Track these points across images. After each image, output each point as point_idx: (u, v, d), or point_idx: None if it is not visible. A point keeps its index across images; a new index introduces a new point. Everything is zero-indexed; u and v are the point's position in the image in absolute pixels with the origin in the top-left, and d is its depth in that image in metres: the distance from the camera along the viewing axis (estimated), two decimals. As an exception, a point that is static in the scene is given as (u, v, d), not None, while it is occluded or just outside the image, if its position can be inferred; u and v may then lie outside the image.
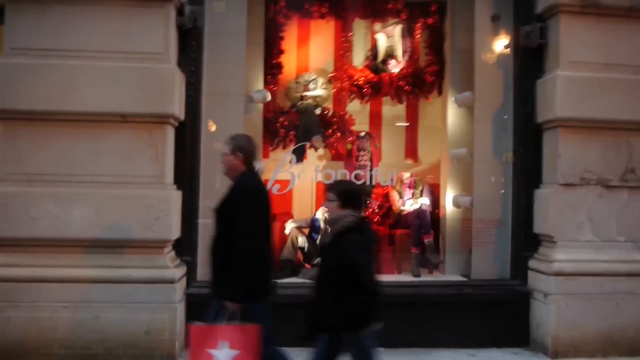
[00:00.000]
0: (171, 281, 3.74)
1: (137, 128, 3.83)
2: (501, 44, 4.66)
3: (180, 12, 4.00)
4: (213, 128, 4.39)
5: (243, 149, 2.87)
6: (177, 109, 3.90)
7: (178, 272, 3.84)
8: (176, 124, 4.02)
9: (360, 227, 2.54)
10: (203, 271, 4.15)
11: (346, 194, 2.62)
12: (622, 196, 4.17)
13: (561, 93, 4.05)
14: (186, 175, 4.09)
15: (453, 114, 5.18)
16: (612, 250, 4.13)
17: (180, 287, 3.85)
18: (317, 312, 2.55)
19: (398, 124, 6.23)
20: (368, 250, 2.53)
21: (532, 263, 4.32)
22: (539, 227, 4.28)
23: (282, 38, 5.52)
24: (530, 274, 4.33)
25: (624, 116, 4.11)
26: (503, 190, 4.61)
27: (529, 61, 4.37)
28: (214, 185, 4.33)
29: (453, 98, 5.08)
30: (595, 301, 4.03)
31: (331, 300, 2.47)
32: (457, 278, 4.78)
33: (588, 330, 4.01)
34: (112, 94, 3.76)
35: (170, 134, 3.94)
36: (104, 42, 3.82)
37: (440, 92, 5.64)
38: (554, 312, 4.00)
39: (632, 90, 4.10)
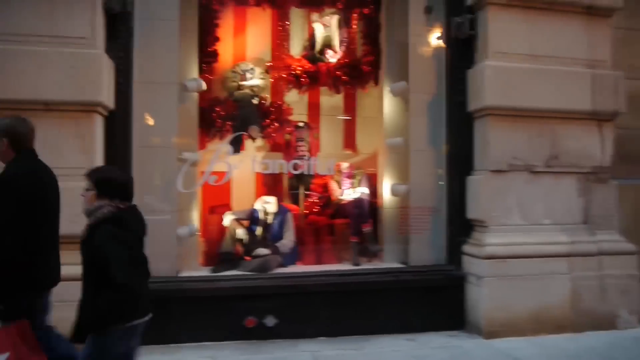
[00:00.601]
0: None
1: (62, 117, 3.65)
2: (434, 35, 4.80)
3: (107, -6, 3.82)
4: (145, 118, 4.23)
5: (7, 132, 2.63)
6: (106, 96, 3.74)
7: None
8: (105, 113, 3.87)
9: (119, 218, 2.33)
10: None
11: (103, 182, 2.41)
12: (547, 181, 4.42)
13: (489, 82, 4.21)
14: (117, 166, 3.90)
15: (389, 104, 5.26)
16: (539, 233, 4.36)
17: None
18: (79, 310, 2.31)
19: (337, 116, 6.26)
20: (127, 243, 2.31)
21: (466, 248, 4.48)
22: (471, 212, 4.44)
23: (217, 25, 5.35)
24: (464, 258, 4.48)
25: (549, 105, 4.34)
26: (438, 178, 4.74)
27: (460, 52, 4.52)
28: (148, 177, 4.24)
29: (389, 88, 5.15)
30: (525, 282, 4.25)
31: (88, 297, 2.29)
32: (396, 265, 4.85)
33: (519, 310, 4.22)
34: (35, 80, 3.56)
35: (99, 123, 3.79)
36: (29, 25, 3.62)
37: (376, 82, 5.67)
38: (486, 294, 4.17)
39: (555, 81, 4.34)
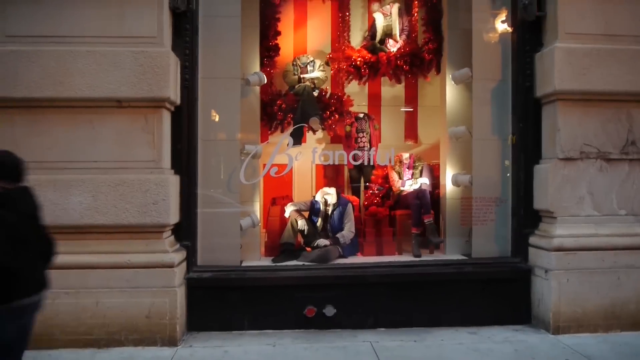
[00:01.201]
0: (170, 265, 3.77)
1: (133, 113, 3.85)
2: (499, 18, 4.62)
3: (173, -6, 3.98)
4: (210, 112, 4.38)
5: None
6: (173, 92, 3.90)
7: (177, 256, 3.87)
8: (172, 108, 4.03)
9: (6, 200, 2.34)
10: (203, 256, 4.24)
11: None
12: (623, 169, 4.15)
13: (559, 66, 4.02)
14: (183, 160, 4.12)
15: (451, 93, 5.14)
16: (613, 224, 4.12)
17: (180, 271, 3.89)
18: None
19: (398, 106, 6.20)
20: (5, 222, 2.31)
21: (532, 239, 4.32)
22: (538, 203, 4.26)
23: (278, 19, 5.47)
24: (530, 250, 4.33)
25: (624, 87, 4.07)
26: (503, 168, 4.59)
27: (527, 34, 4.34)
28: (212, 169, 4.40)
29: (451, 75, 5.03)
30: (597, 276, 4.04)
31: None
32: (458, 257, 4.78)
33: (589, 305, 4.02)
34: (107, 79, 3.78)
35: (166, 118, 3.96)
36: (98, 27, 3.84)
37: (438, 71, 5.59)
38: (554, 288, 4.00)
39: (631, 61, 4.06)
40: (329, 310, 4.11)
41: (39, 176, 3.69)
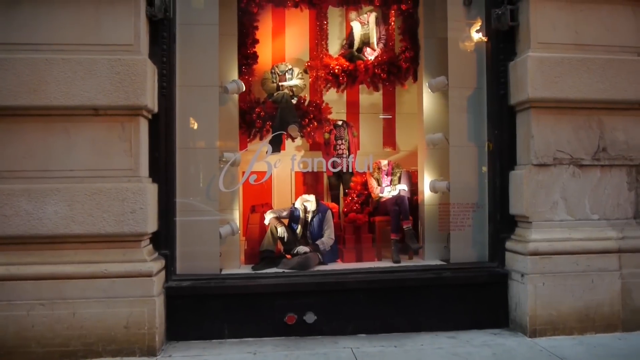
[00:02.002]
0: (148, 274, 3.73)
1: (109, 121, 3.80)
2: (473, 28, 4.69)
3: (150, 2, 3.94)
4: (188, 120, 4.35)
5: None
6: (150, 100, 3.87)
7: (156, 265, 3.83)
8: (149, 116, 4.00)
9: None
10: (182, 265, 4.20)
11: None
12: (595, 175, 4.26)
13: (532, 74, 4.10)
14: (161, 168, 4.08)
15: (428, 100, 5.21)
16: (586, 229, 4.22)
17: (158, 281, 3.84)
18: None
19: (376, 114, 6.26)
20: None
21: (509, 244, 4.39)
22: (514, 208, 4.34)
23: (256, 28, 5.47)
24: (507, 255, 4.40)
25: (595, 95, 4.17)
26: (480, 174, 4.66)
27: (501, 44, 4.42)
28: (191, 177, 4.37)
29: (427, 83, 5.11)
30: (571, 279, 4.12)
31: None
32: (437, 262, 4.82)
33: (564, 308, 4.10)
34: (83, 87, 3.72)
35: (143, 126, 3.92)
36: (74, 35, 3.79)
37: (415, 79, 5.67)
38: (531, 292, 4.07)
39: (601, 70, 4.17)
40: (310, 317, 4.10)
41: (12, 186, 3.65)
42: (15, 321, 3.60)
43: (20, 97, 3.66)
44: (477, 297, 4.31)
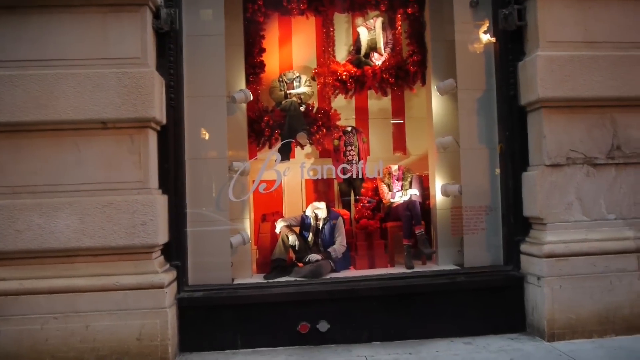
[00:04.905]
0: (160, 286, 3.74)
1: (118, 134, 3.83)
2: (481, 29, 4.67)
3: (156, 15, 3.99)
4: (196, 131, 4.38)
5: None
6: (158, 112, 3.89)
7: (167, 276, 3.84)
8: (158, 128, 4.02)
9: None
10: (194, 276, 4.21)
11: None
12: (610, 174, 4.18)
13: (542, 73, 4.05)
14: (171, 179, 4.09)
15: (437, 103, 5.19)
16: (603, 229, 4.14)
17: (170, 292, 3.85)
18: None
19: (386, 119, 6.27)
20: None
21: (523, 247, 4.33)
22: (528, 210, 4.28)
23: (262, 37, 5.53)
24: (522, 258, 4.33)
25: (607, 93, 4.11)
26: (492, 176, 4.62)
27: (510, 44, 4.38)
28: (201, 188, 4.38)
29: (436, 87, 5.09)
30: (589, 281, 4.04)
31: None
32: (451, 267, 4.79)
33: (583, 311, 4.02)
34: (91, 101, 3.75)
35: (152, 138, 3.94)
36: (82, 49, 3.82)
37: (423, 82, 5.66)
38: (548, 295, 4.00)
39: (613, 67, 4.11)
40: (323, 326, 4.08)
41: (24, 200, 3.69)
42: (30, 335, 3.62)
43: (30, 113, 3.71)
44: (493, 301, 4.25)
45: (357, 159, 5.64)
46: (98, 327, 3.66)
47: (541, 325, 4.05)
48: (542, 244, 4.09)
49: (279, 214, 5.55)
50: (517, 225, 4.39)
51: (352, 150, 5.67)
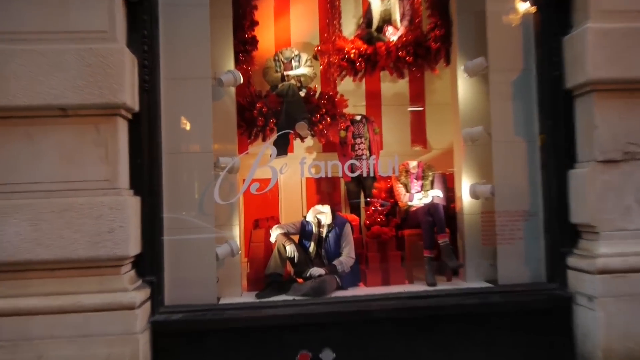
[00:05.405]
0: (131, 307, 3.63)
1: (81, 123, 3.74)
2: (518, -2, 4.62)
3: (126, -21, 3.93)
4: (175, 119, 4.31)
5: None
6: (129, 97, 3.79)
7: (139, 295, 3.73)
8: (129, 115, 3.93)
9: None
10: (172, 294, 4.13)
11: None
12: (677, 171, 4.10)
13: (592, 50, 3.97)
14: (145, 177, 4.01)
15: (465, 87, 5.14)
16: (669, 239, 4.06)
17: (142, 314, 3.75)
18: None
19: (403, 106, 6.27)
20: None
21: (571, 260, 4.24)
22: (576, 215, 4.20)
23: (254, 7, 5.47)
24: (570, 273, 4.25)
25: (676, 73, 4.03)
26: (531, 174, 4.57)
27: (553, 15, 4.32)
28: (180, 188, 4.31)
29: (462, 67, 5.03)
30: (653, 302, 3.96)
31: None
32: (482, 285, 4.75)
33: (646, 339, 3.94)
34: (48, 83, 3.65)
35: (122, 128, 3.85)
36: (36, 21, 3.72)
37: (448, 62, 5.60)
38: (602, 320, 3.91)
39: (682, 41, 4.03)
40: (327, 355, 4.01)
41: (-35, 203, 3.59)
42: (-31, 367, 3.54)
43: (-26, 97, 3.62)
44: (533, 327, 4.18)
45: (368, 154, 5.65)
46: (54, 358, 3.56)
47: (595, 357, 3.95)
48: (594, 257, 4.00)
49: (275, 220, 5.50)
50: (562, 233, 4.32)
51: (362, 143, 5.68)
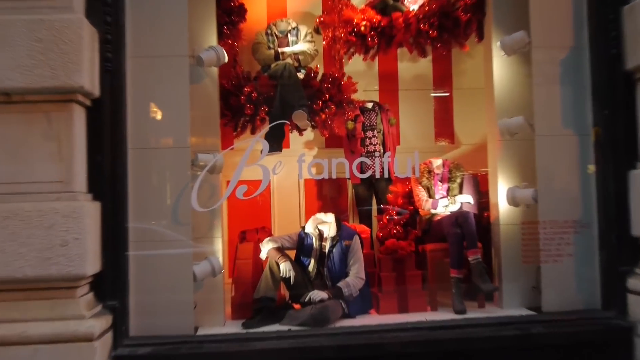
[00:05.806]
0: (88, 338, 3.64)
1: (28, 111, 3.78)
2: (567, -43, 4.65)
3: (84, -64, 3.97)
4: (145, 107, 4.36)
5: None
6: (88, 79, 3.82)
7: (99, 323, 3.76)
8: (88, 102, 3.97)
9: None
10: (139, 322, 4.17)
11: None
12: None
13: (661, 21, 4.02)
14: (106, 179, 4.04)
15: (501, 68, 5.16)
16: None
17: (102, 347, 3.78)
18: None
19: (424, 90, 6.28)
20: None
21: (632, 282, 4.27)
22: (638, 227, 4.21)
23: (242, -32, 5.51)
24: (630, 298, 4.28)
25: None
26: (584, 176, 4.61)
27: (610, -21, 4.36)
28: (150, 191, 4.37)
29: (499, 43, 5.03)
30: None
31: None
32: (522, 312, 4.76)
33: None
34: (-11, 63, 3.72)
35: (79, 117, 3.88)
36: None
37: (481, 37, 5.61)
38: (670, 354, 3.96)
39: None
40: (332, 398, 4.05)
41: None
42: None
43: None
44: None
45: (382, 150, 5.67)
46: (-7, 402, 3.60)
47: (659, 400, 3.99)
48: (660, 279, 4.03)
49: (266, 232, 5.53)
50: (622, 249, 4.35)
51: (374, 136, 5.71)
